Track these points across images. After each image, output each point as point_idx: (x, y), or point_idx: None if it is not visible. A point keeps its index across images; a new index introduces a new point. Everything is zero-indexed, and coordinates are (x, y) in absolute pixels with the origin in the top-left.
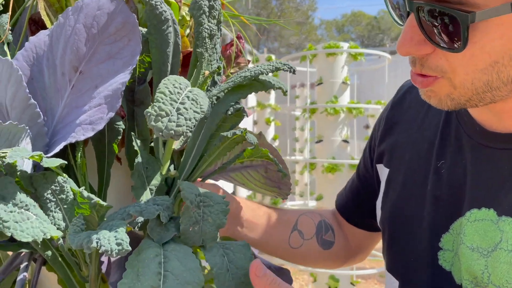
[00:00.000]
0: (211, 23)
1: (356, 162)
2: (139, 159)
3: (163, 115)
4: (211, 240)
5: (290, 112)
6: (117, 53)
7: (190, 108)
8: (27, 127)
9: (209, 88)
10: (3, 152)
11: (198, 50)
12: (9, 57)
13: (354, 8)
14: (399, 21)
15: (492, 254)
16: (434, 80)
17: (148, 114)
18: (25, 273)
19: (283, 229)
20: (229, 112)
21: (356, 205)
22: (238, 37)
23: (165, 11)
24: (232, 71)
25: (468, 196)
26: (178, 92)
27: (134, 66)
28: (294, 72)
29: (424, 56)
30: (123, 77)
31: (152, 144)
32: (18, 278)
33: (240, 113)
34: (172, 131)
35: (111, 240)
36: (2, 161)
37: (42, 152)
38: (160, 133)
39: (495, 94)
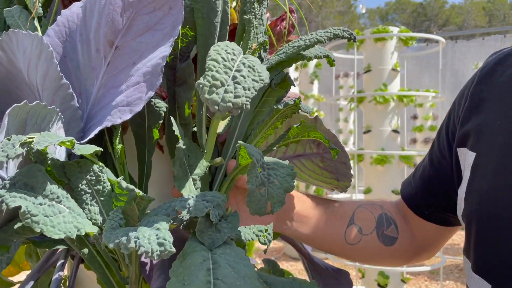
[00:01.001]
0: None
1: (407, 153)
2: (180, 145)
3: (218, 85)
4: (278, 205)
5: (335, 102)
6: (156, 23)
7: (248, 76)
8: (57, 109)
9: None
10: (30, 137)
11: (245, 16)
12: (39, 29)
13: None
14: None
15: None
16: None
17: (201, 85)
18: (61, 272)
19: (338, 223)
20: (274, 82)
21: (427, 195)
22: (291, 11)
23: None
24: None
25: None
26: (232, 59)
27: (176, 38)
28: (355, 39)
29: None
30: (164, 51)
31: (195, 128)
32: (54, 277)
33: (287, 83)
34: (230, 104)
35: (152, 239)
36: (30, 148)
37: (73, 138)
38: (216, 107)
39: None
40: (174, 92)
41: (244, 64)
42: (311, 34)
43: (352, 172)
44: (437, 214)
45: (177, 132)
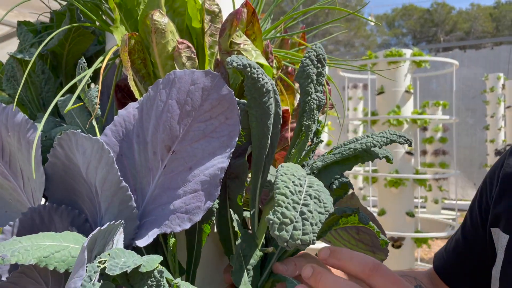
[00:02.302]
0: (318, 91)
1: (421, 176)
2: (240, 242)
3: (288, 222)
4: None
5: (348, 122)
6: (212, 131)
7: (315, 210)
8: (122, 221)
9: (310, 156)
10: (100, 262)
11: (305, 122)
12: (97, 130)
13: (405, 1)
14: None
15: None
16: None
17: (271, 222)
18: None
19: None
20: (334, 186)
21: (460, 268)
22: (326, 83)
23: (267, 83)
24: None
25: None
26: (299, 191)
27: (233, 149)
28: (410, 144)
29: None
30: (222, 161)
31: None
32: None
33: (346, 187)
34: (299, 241)
35: None
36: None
37: (141, 262)
38: (285, 244)
39: None
40: (225, 183)
41: (310, 196)
42: (368, 137)
43: (388, 248)
44: (471, 287)
45: (237, 229)
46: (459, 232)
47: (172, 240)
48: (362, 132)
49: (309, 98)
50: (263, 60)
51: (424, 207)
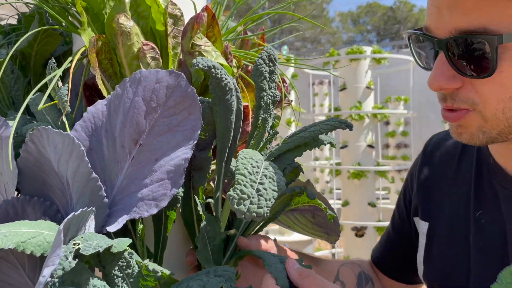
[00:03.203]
0: (271, 87)
1: (382, 168)
2: (204, 224)
3: (245, 198)
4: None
5: (314, 118)
6: (176, 125)
7: (269, 188)
8: (94, 209)
9: (268, 147)
10: (74, 243)
11: (262, 116)
12: (67, 126)
13: None
14: (426, 66)
15: None
16: (465, 113)
17: (231, 197)
18: None
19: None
20: (286, 171)
21: (393, 258)
22: (283, 80)
23: (229, 82)
24: (274, 112)
25: (511, 244)
26: (256, 172)
27: (196, 141)
28: (351, 129)
29: (454, 90)
30: (185, 153)
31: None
32: None
33: (297, 171)
34: (254, 213)
35: None
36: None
37: (112, 243)
38: (243, 216)
39: None
40: (189, 173)
41: (266, 176)
42: (315, 125)
43: (339, 228)
44: (403, 275)
45: (201, 212)
46: (390, 225)
47: (140, 226)
48: None
49: (264, 94)
50: (222, 60)
51: (387, 198)
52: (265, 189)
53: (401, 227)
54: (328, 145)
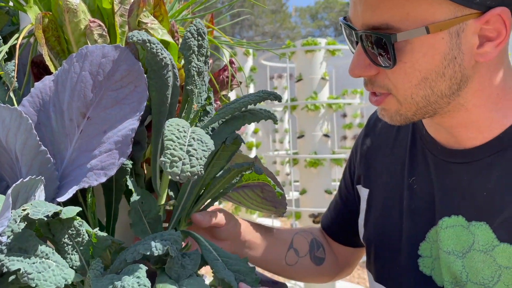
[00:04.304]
0: (200, 60)
1: (337, 156)
2: (133, 197)
3: (177, 160)
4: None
5: (271, 109)
6: (123, 98)
7: (199, 148)
8: (43, 178)
9: (201, 118)
10: (23, 209)
11: (188, 87)
12: (15, 102)
13: None
14: (353, 51)
15: (467, 255)
16: (385, 98)
17: (163, 162)
18: None
19: (281, 248)
20: (227, 142)
21: (340, 224)
22: (231, 63)
23: (165, 57)
24: (224, 93)
25: (438, 206)
26: (184, 136)
27: (142, 112)
28: (280, 100)
29: (372, 77)
30: (132, 123)
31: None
32: None
33: (238, 141)
34: (188, 173)
35: (135, 286)
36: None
37: (61, 208)
38: (178, 177)
39: (436, 107)
40: None
41: (194, 138)
42: (245, 97)
43: (286, 201)
44: (350, 239)
45: (131, 187)
46: (337, 194)
47: (90, 199)
48: (288, 120)
49: (190, 66)
50: (169, 38)
51: None
52: (194, 149)
53: (347, 195)
54: (287, 138)
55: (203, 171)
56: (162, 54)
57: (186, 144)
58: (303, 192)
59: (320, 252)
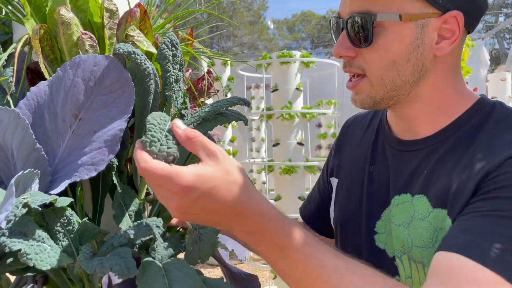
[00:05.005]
0: (175, 68)
1: (311, 163)
2: (117, 191)
3: (156, 141)
4: (207, 256)
5: (248, 117)
6: (112, 102)
7: None
8: (39, 171)
9: None
10: (24, 198)
11: (167, 93)
12: (12, 104)
13: (304, 7)
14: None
15: (411, 224)
16: (360, 81)
17: (143, 141)
18: None
19: None
20: None
21: (318, 214)
22: (209, 72)
23: (148, 67)
24: (202, 99)
25: (391, 188)
26: (164, 123)
27: (130, 115)
28: (249, 105)
29: (350, 58)
30: (120, 124)
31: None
32: None
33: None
34: (165, 153)
35: (122, 266)
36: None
37: (56, 197)
38: (155, 156)
39: (399, 93)
40: None
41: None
42: (218, 102)
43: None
44: (327, 229)
45: (116, 182)
46: (316, 187)
47: (79, 193)
48: (265, 129)
49: (168, 74)
50: (153, 49)
51: None
52: (172, 135)
53: (323, 188)
54: (264, 147)
55: (178, 154)
56: (145, 64)
57: (165, 129)
58: (277, 198)
59: None
